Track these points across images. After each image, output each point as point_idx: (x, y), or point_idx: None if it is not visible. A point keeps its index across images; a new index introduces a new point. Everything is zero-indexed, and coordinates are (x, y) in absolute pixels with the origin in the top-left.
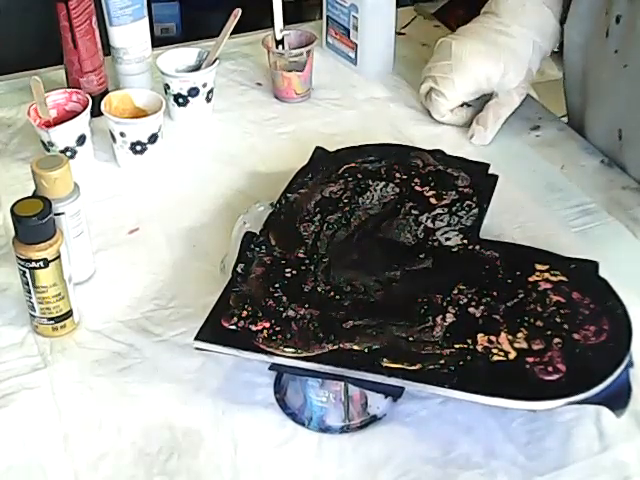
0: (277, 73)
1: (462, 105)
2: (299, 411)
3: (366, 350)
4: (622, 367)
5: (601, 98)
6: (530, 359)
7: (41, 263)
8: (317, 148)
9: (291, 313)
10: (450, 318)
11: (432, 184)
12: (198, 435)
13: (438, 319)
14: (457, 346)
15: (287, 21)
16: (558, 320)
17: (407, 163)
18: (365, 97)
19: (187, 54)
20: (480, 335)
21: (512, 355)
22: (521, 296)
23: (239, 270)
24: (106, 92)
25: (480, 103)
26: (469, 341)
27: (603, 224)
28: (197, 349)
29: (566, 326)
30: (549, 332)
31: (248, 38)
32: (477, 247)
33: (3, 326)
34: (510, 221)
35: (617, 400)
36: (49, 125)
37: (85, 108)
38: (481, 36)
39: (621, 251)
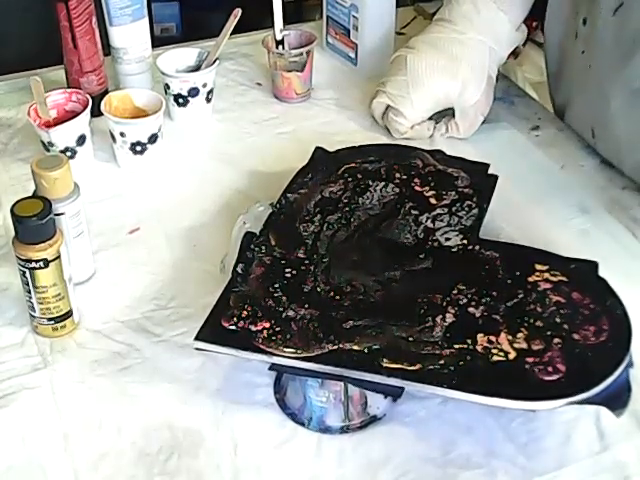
0: (277, 73)
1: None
2: (299, 411)
3: (366, 350)
4: (622, 367)
5: (574, 98)
6: (530, 359)
7: (41, 263)
8: (317, 148)
9: (291, 313)
10: (450, 318)
11: (432, 184)
12: (198, 435)
13: (438, 319)
14: (457, 346)
15: (287, 21)
16: (558, 320)
17: (407, 163)
18: (365, 97)
19: (187, 54)
20: (480, 335)
21: (512, 355)
22: (521, 296)
23: (239, 270)
24: (106, 92)
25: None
26: (469, 341)
27: (603, 224)
28: (197, 349)
29: (566, 326)
30: (549, 332)
31: (248, 38)
32: (477, 247)
33: (3, 326)
34: (510, 221)
35: (617, 400)
36: (49, 125)
37: (85, 108)
38: (437, 48)
39: (621, 251)
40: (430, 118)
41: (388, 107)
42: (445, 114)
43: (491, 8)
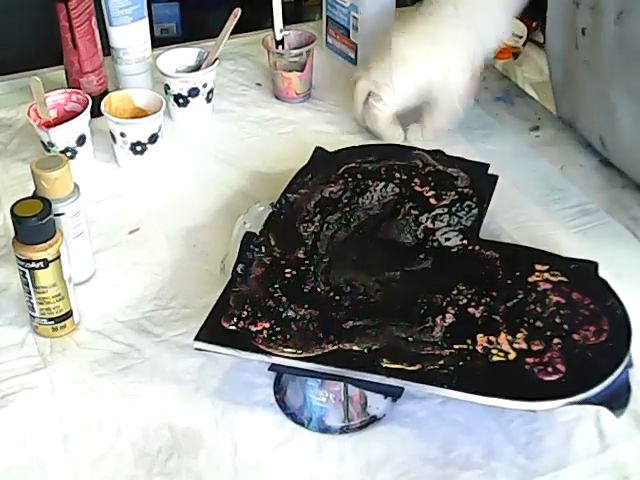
0: (277, 73)
1: (403, 128)
2: (299, 411)
3: (366, 350)
4: (622, 367)
5: (582, 107)
6: (530, 359)
7: (41, 263)
8: (317, 148)
9: (291, 313)
10: (450, 318)
11: (432, 184)
12: (198, 435)
13: (438, 319)
14: (457, 346)
15: (287, 21)
16: (558, 320)
17: (407, 163)
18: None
19: (187, 54)
20: (480, 335)
21: (512, 355)
22: (521, 296)
23: (239, 270)
24: (106, 92)
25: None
26: (469, 341)
27: (603, 224)
28: (197, 349)
29: (566, 326)
30: (549, 332)
31: (248, 38)
32: (477, 247)
33: (3, 326)
34: (510, 221)
35: (617, 400)
36: (49, 125)
37: (85, 108)
38: (422, 31)
39: (621, 251)
40: (402, 126)
41: (369, 95)
42: (417, 118)
43: None
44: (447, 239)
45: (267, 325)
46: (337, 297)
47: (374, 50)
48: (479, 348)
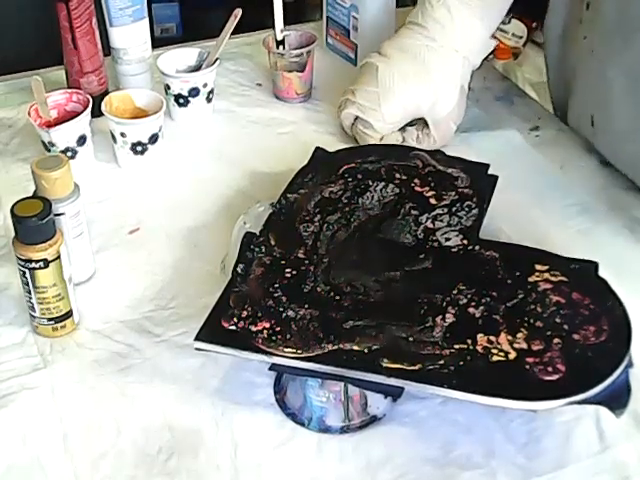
0: (277, 73)
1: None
2: (299, 411)
3: (366, 350)
4: (622, 367)
5: (576, 85)
6: (530, 359)
7: (41, 263)
8: (317, 148)
9: (291, 313)
10: (450, 318)
11: (432, 184)
12: (198, 435)
13: (438, 319)
14: (457, 346)
15: (287, 21)
16: (558, 320)
17: (407, 163)
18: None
19: (187, 54)
20: (480, 335)
21: (512, 355)
22: (521, 296)
23: (239, 270)
24: (106, 92)
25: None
26: (469, 341)
27: (603, 224)
28: (197, 349)
29: (566, 326)
30: (549, 332)
31: (248, 38)
32: (477, 247)
33: (3, 326)
34: (510, 221)
35: (617, 400)
36: (50, 125)
37: (85, 108)
38: (408, 56)
39: (621, 251)
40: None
41: (357, 118)
42: (415, 122)
43: (465, 15)
44: (447, 239)
45: (267, 325)
46: (337, 297)
47: (358, 72)
48: (479, 348)
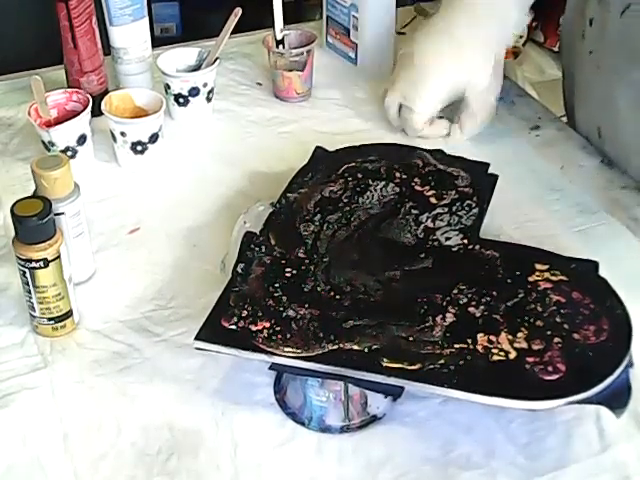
0: (277, 73)
1: (440, 117)
2: (299, 411)
3: (366, 350)
4: (622, 367)
5: (582, 97)
6: (530, 359)
7: (41, 263)
8: (317, 148)
9: (291, 313)
10: (450, 318)
11: (432, 184)
12: (198, 435)
13: (438, 319)
14: (457, 346)
15: (287, 21)
16: (558, 320)
17: (407, 163)
18: (365, 97)
19: (187, 54)
20: (480, 335)
21: (512, 355)
22: (521, 296)
23: (239, 270)
24: (106, 92)
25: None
26: (469, 341)
27: (603, 224)
28: (197, 349)
29: (566, 326)
30: (549, 332)
31: (248, 38)
32: (477, 247)
33: (3, 326)
34: (510, 221)
35: (617, 400)
36: (49, 125)
37: (85, 108)
38: (441, 36)
39: (621, 251)
40: (447, 118)
41: (401, 106)
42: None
43: None
44: (447, 238)
45: (267, 324)
46: (337, 296)
47: (397, 60)
48: (479, 347)
